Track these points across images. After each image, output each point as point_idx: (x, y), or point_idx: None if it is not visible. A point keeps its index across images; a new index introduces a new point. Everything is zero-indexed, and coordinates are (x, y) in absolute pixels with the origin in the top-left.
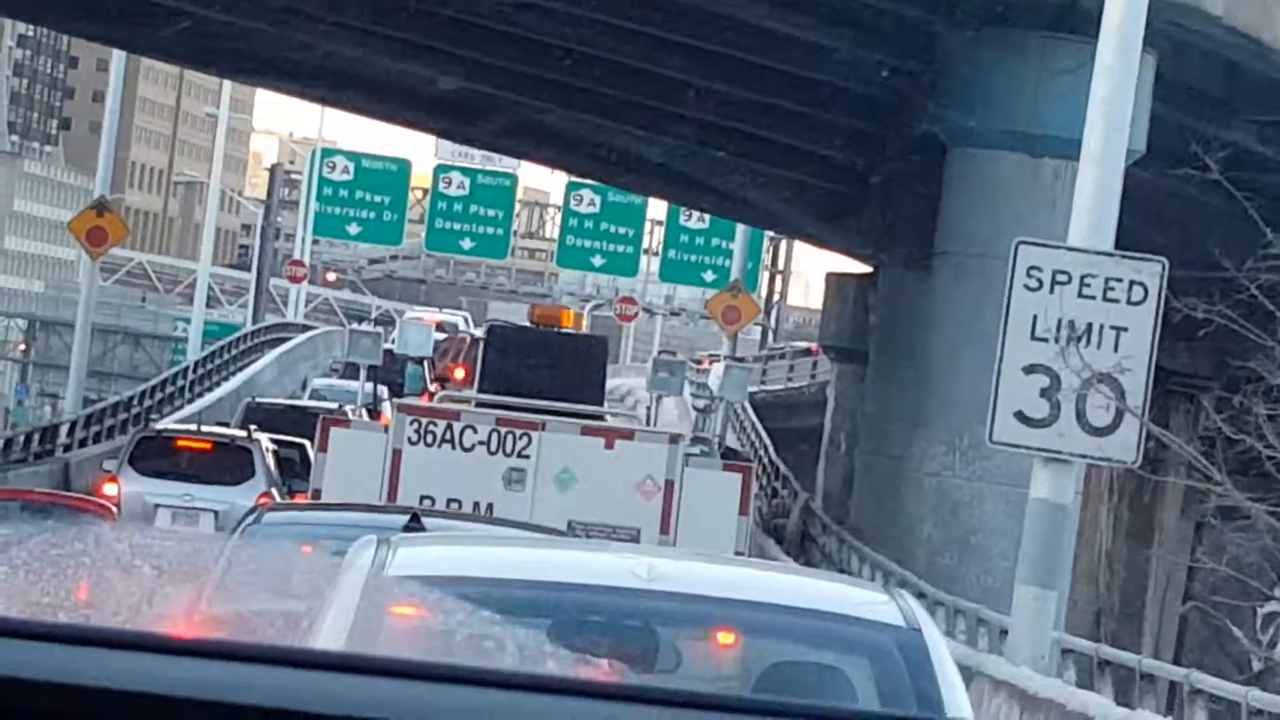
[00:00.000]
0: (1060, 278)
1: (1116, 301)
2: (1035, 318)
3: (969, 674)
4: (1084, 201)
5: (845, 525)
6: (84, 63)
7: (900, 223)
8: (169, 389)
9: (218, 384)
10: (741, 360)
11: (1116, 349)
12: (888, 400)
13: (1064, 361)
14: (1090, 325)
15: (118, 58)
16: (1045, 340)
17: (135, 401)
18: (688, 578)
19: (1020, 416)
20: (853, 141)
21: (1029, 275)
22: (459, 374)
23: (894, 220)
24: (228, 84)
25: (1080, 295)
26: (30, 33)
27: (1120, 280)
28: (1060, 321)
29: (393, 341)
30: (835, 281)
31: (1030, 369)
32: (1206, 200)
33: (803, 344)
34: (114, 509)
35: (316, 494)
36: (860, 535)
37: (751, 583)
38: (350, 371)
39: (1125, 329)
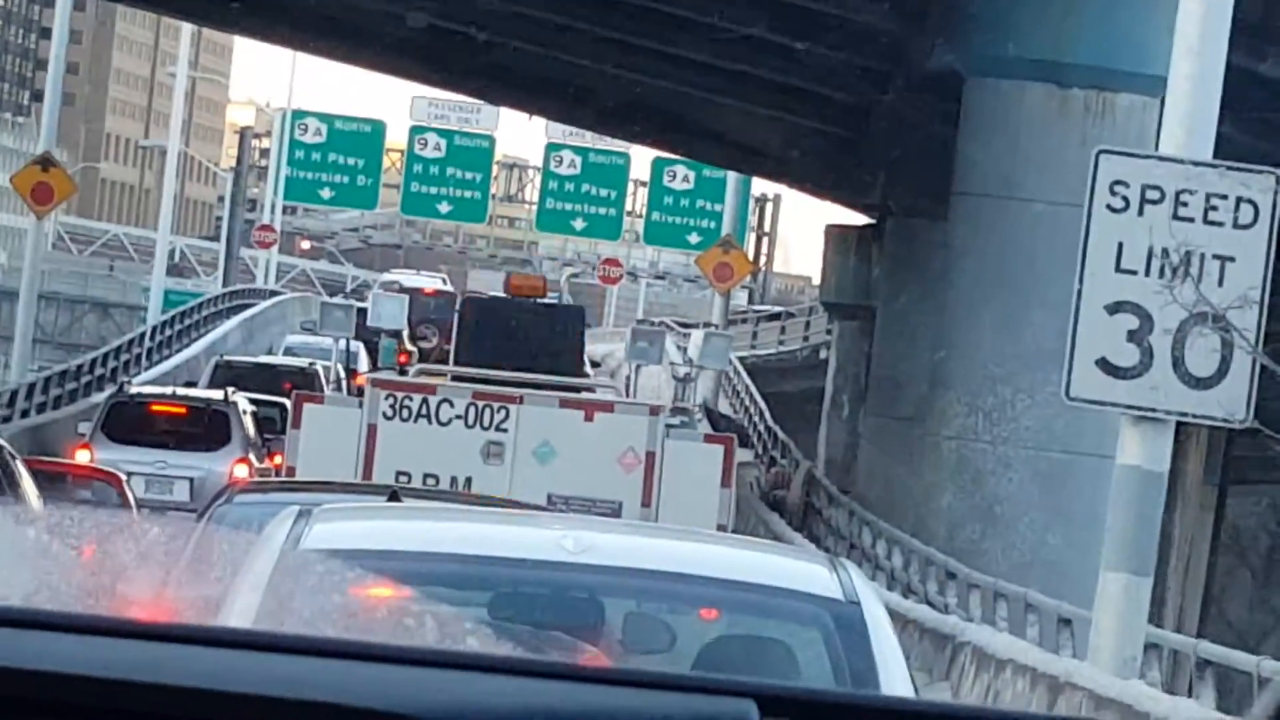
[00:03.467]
0: (1151, 195)
1: (1220, 225)
2: (1121, 245)
3: (1036, 674)
4: (1177, 103)
5: (851, 495)
6: (56, 33)
7: (909, 166)
8: (134, 350)
9: (184, 347)
10: (741, 321)
11: (1221, 283)
12: (898, 359)
13: (1162, 297)
14: (1189, 254)
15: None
16: (1134, 272)
17: (100, 363)
18: (618, 551)
19: (1105, 365)
20: (854, 79)
21: (1112, 193)
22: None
23: (902, 164)
24: (185, 44)
25: (1176, 217)
26: (1, 3)
27: (1225, 198)
28: (1152, 249)
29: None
30: (835, 234)
31: (1115, 307)
32: None
33: (778, 309)
34: (122, 476)
35: (291, 471)
36: (869, 506)
37: (685, 555)
38: None
39: (1232, 258)
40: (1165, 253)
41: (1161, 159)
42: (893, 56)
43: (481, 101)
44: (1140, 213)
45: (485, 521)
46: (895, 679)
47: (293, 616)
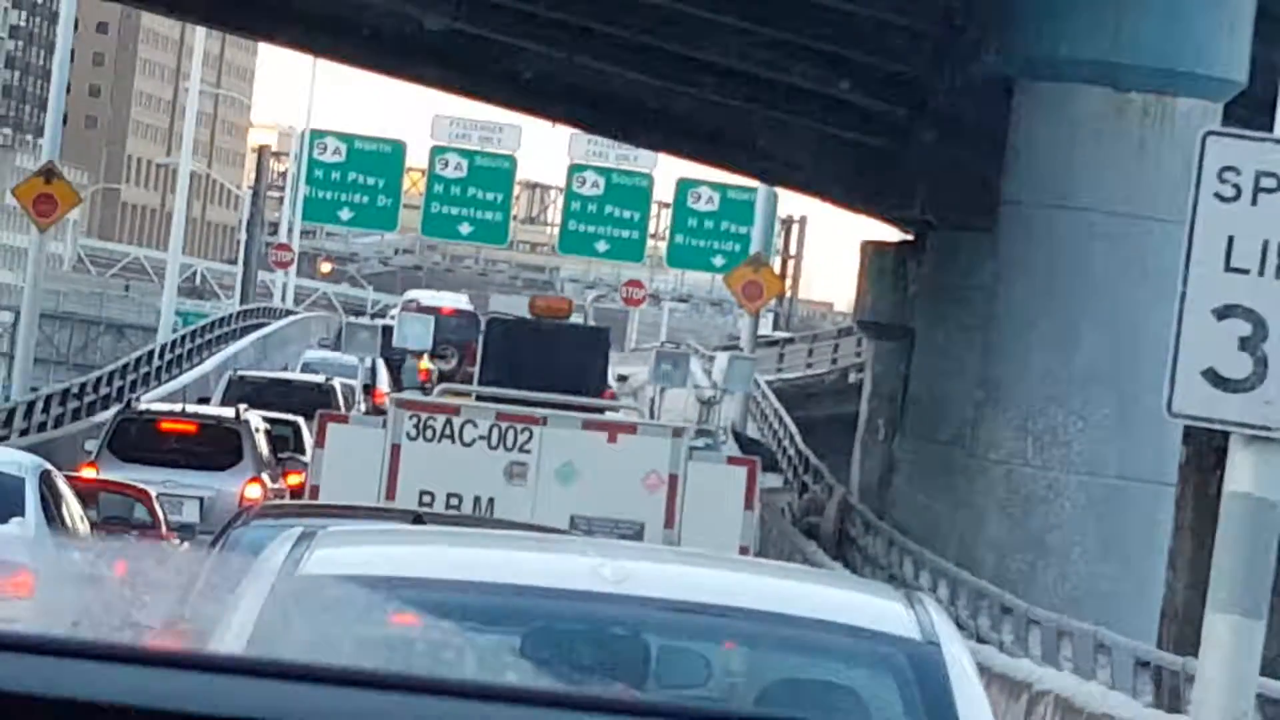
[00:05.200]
0: (1267, 183)
1: None
2: (1231, 240)
3: None
4: None
5: (887, 522)
6: (79, 55)
7: (952, 177)
8: (142, 369)
9: (196, 364)
10: (771, 343)
11: None
12: (939, 379)
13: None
14: None
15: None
16: (1246, 271)
17: (107, 381)
18: (664, 581)
19: (1212, 378)
20: (893, 87)
21: (1221, 180)
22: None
23: (944, 175)
24: (198, 60)
25: None
26: (22, 23)
27: None
28: (1267, 244)
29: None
30: (871, 251)
31: (1225, 311)
32: None
33: (789, 335)
34: (150, 491)
35: (314, 491)
36: (907, 533)
37: (743, 587)
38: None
39: None
40: None
41: (1279, 141)
42: (935, 62)
43: (503, 114)
44: (1254, 202)
45: (514, 547)
46: None
47: (285, 645)
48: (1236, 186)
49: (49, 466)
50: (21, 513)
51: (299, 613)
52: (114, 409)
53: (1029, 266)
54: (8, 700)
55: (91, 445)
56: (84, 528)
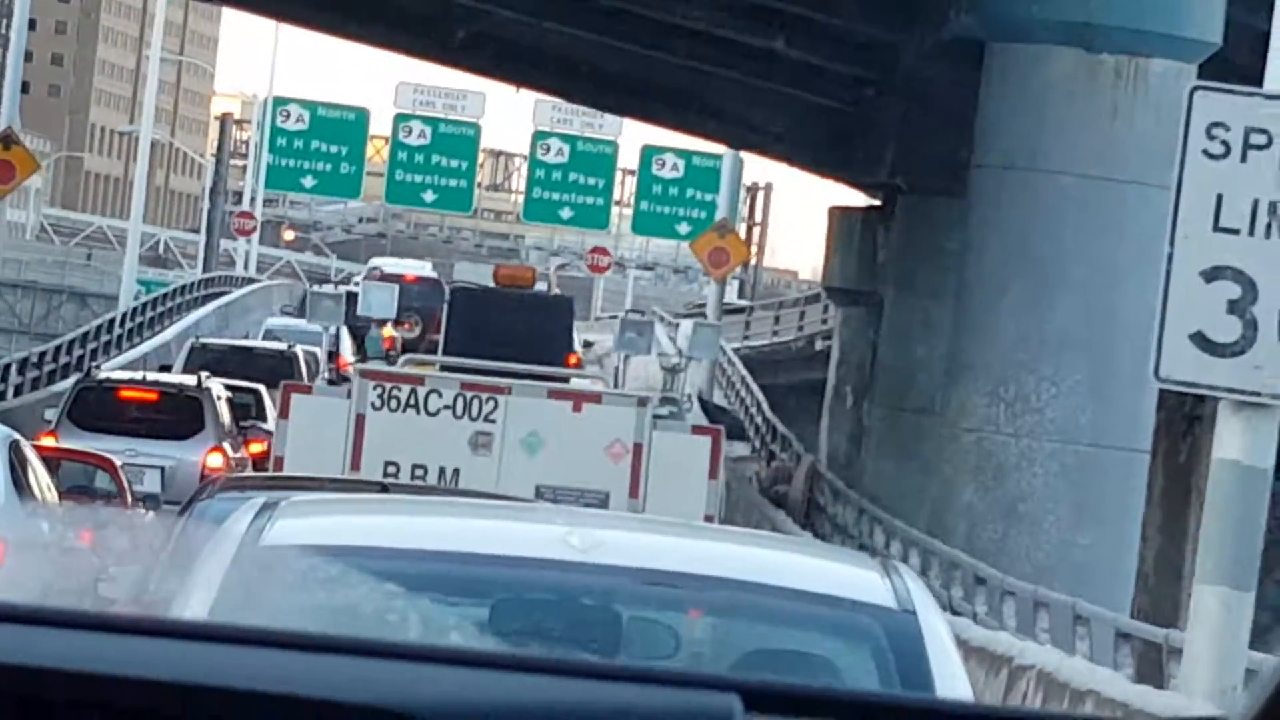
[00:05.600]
0: (1257, 139)
1: None
2: (1220, 199)
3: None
4: None
5: (855, 490)
6: (41, 24)
7: (922, 141)
8: (103, 337)
9: (156, 334)
10: (736, 311)
11: None
12: (909, 346)
13: (1269, 261)
14: None
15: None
16: (1235, 231)
17: (67, 350)
18: (635, 550)
19: (1200, 341)
20: (862, 50)
21: (1209, 136)
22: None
23: (914, 139)
24: (159, 28)
25: None
26: None
27: None
28: (1257, 203)
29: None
30: (839, 216)
31: (1213, 273)
32: None
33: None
34: (115, 461)
35: (279, 461)
36: (877, 502)
37: (716, 555)
38: (305, 311)
39: None
40: (1274, 208)
41: (1270, 96)
42: (904, 25)
43: (467, 81)
44: (1244, 159)
45: (480, 515)
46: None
47: (247, 616)
48: (1225, 143)
49: (18, 436)
50: None
51: (261, 583)
52: (74, 378)
53: (1000, 231)
54: None
55: (51, 414)
56: (52, 497)
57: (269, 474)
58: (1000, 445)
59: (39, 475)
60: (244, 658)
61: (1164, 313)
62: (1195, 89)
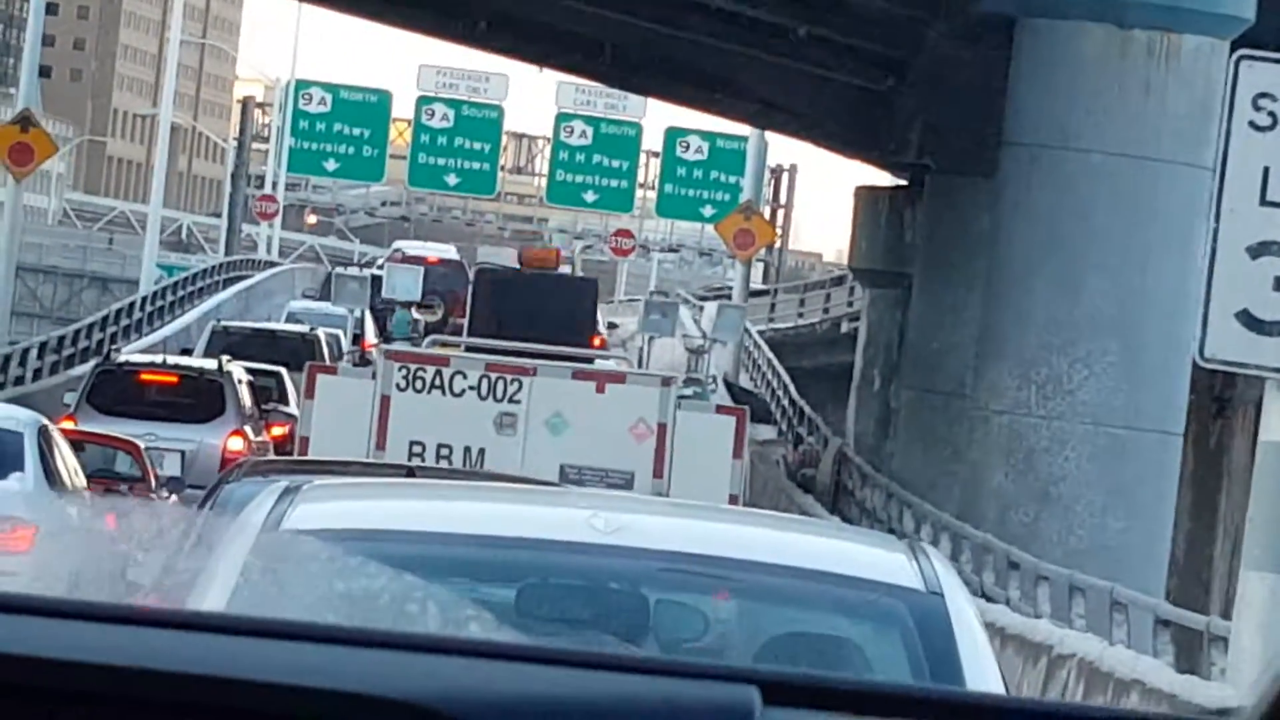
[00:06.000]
0: None
1: None
2: (1267, 172)
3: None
4: None
5: (883, 474)
6: (64, 9)
7: (951, 119)
8: (123, 321)
9: (178, 317)
10: (760, 293)
11: None
12: (938, 328)
13: None
14: None
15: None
16: None
17: (87, 334)
18: (658, 532)
19: (1247, 320)
20: (890, 27)
21: (1256, 107)
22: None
23: (943, 117)
24: (179, 10)
25: None
26: None
27: None
28: None
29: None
30: (866, 196)
31: (1260, 249)
32: None
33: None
34: (139, 444)
35: (304, 443)
36: (905, 486)
37: (742, 538)
38: (328, 293)
39: None
40: None
41: None
42: (932, 1)
43: (490, 63)
44: None
45: (504, 499)
46: (983, 682)
47: (267, 602)
48: (1273, 115)
49: (46, 421)
50: (21, 468)
51: (281, 568)
52: (93, 362)
53: (1031, 211)
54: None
55: (70, 398)
56: (80, 482)
57: (294, 458)
58: (1031, 428)
59: (67, 460)
60: (267, 650)
61: (1208, 290)
62: (1241, 57)
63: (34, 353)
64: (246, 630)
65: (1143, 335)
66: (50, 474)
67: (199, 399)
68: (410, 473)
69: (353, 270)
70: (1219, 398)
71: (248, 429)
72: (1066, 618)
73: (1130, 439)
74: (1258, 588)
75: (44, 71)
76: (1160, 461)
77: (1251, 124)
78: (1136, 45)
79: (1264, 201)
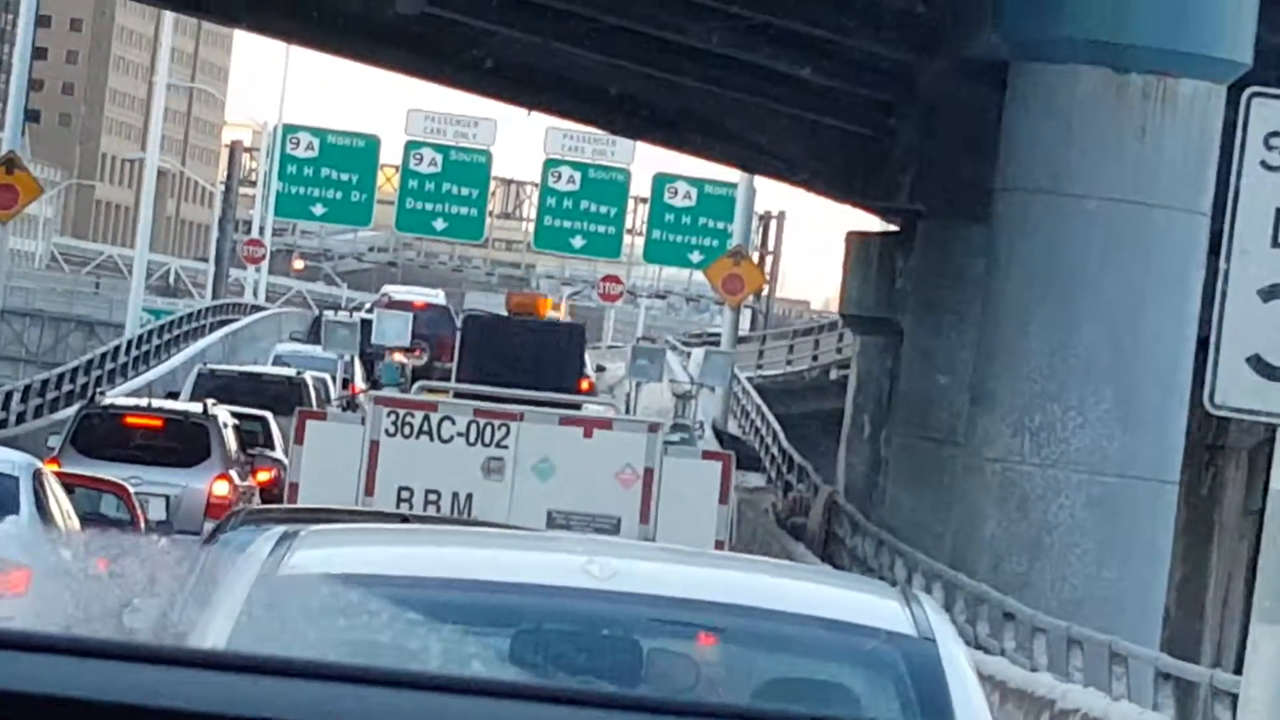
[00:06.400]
0: None
1: None
2: (1279, 213)
3: None
4: None
5: (874, 522)
6: (53, 53)
7: (943, 164)
8: (108, 364)
9: (163, 361)
10: (748, 340)
11: None
12: (930, 374)
13: None
14: None
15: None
16: None
17: (70, 377)
18: (653, 577)
19: (1259, 365)
20: (880, 70)
21: (1268, 146)
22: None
23: (935, 162)
24: (166, 52)
25: None
26: None
27: None
28: None
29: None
30: (856, 242)
31: (1272, 291)
32: None
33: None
34: (128, 487)
35: (294, 488)
36: (897, 534)
37: (732, 583)
38: (315, 337)
39: None
40: None
41: None
42: (924, 45)
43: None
44: None
45: (500, 545)
46: None
47: (266, 644)
48: None
49: (40, 464)
50: (17, 510)
51: (280, 611)
52: (78, 405)
53: (1024, 256)
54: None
55: (55, 442)
56: (74, 525)
57: (290, 506)
58: (1025, 476)
59: (61, 503)
60: (264, 688)
61: (1219, 335)
62: (1253, 95)
63: (17, 396)
64: (245, 667)
65: (1138, 382)
66: (45, 517)
67: (184, 443)
68: (404, 520)
69: (343, 315)
70: (1211, 445)
71: (233, 473)
72: (1065, 670)
73: (1125, 487)
74: (1268, 641)
75: (32, 116)
76: (1155, 510)
77: (1263, 163)
78: (1132, 89)
79: (1276, 243)
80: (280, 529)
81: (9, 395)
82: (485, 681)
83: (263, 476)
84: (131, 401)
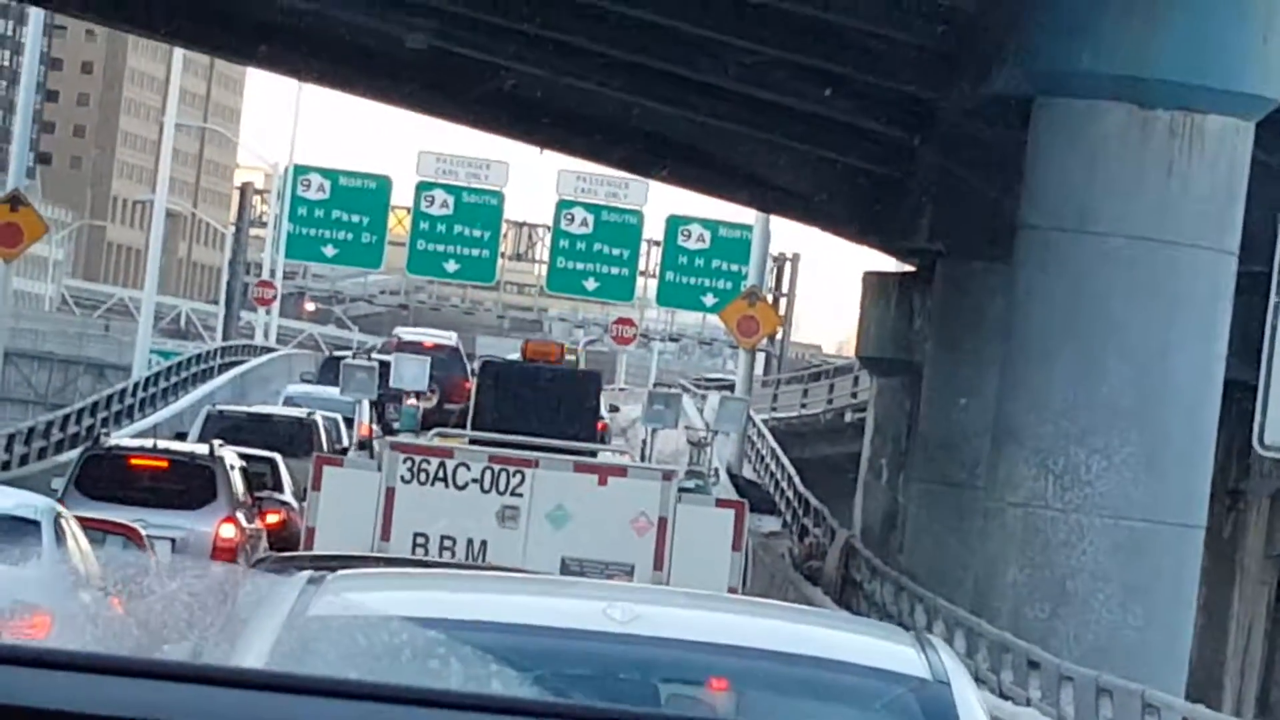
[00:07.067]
0: None
1: None
2: None
3: None
4: None
5: (891, 567)
6: (64, 96)
7: (963, 203)
8: (115, 406)
9: (171, 402)
10: (763, 383)
11: None
12: (950, 417)
13: None
14: None
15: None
16: None
17: (76, 419)
18: (672, 621)
19: None
20: (899, 109)
21: None
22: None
23: (954, 200)
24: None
25: None
26: (6, 63)
27: None
28: None
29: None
30: (874, 282)
31: None
32: None
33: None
34: (139, 530)
35: (310, 533)
36: (916, 580)
37: (750, 627)
38: (326, 378)
39: None
40: None
41: None
42: (944, 80)
43: (490, 149)
44: None
45: (521, 589)
46: None
47: None
48: None
49: (61, 508)
50: (38, 554)
51: (308, 653)
52: (82, 447)
53: (1048, 296)
54: (20, 715)
55: (58, 484)
56: (95, 569)
57: (315, 553)
58: (1048, 521)
59: (81, 546)
60: (289, 706)
61: (1268, 374)
62: None
63: (21, 438)
64: (263, 685)
65: (1164, 425)
66: (65, 560)
67: (190, 485)
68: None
69: (361, 360)
70: (1232, 490)
71: (240, 515)
72: None
73: (1150, 532)
74: None
75: (44, 158)
76: (1180, 556)
77: None
78: (1158, 125)
79: None
80: (308, 573)
81: (11, 437)
82: (480, 697)
83: (271, 519)
84: (136, 443)
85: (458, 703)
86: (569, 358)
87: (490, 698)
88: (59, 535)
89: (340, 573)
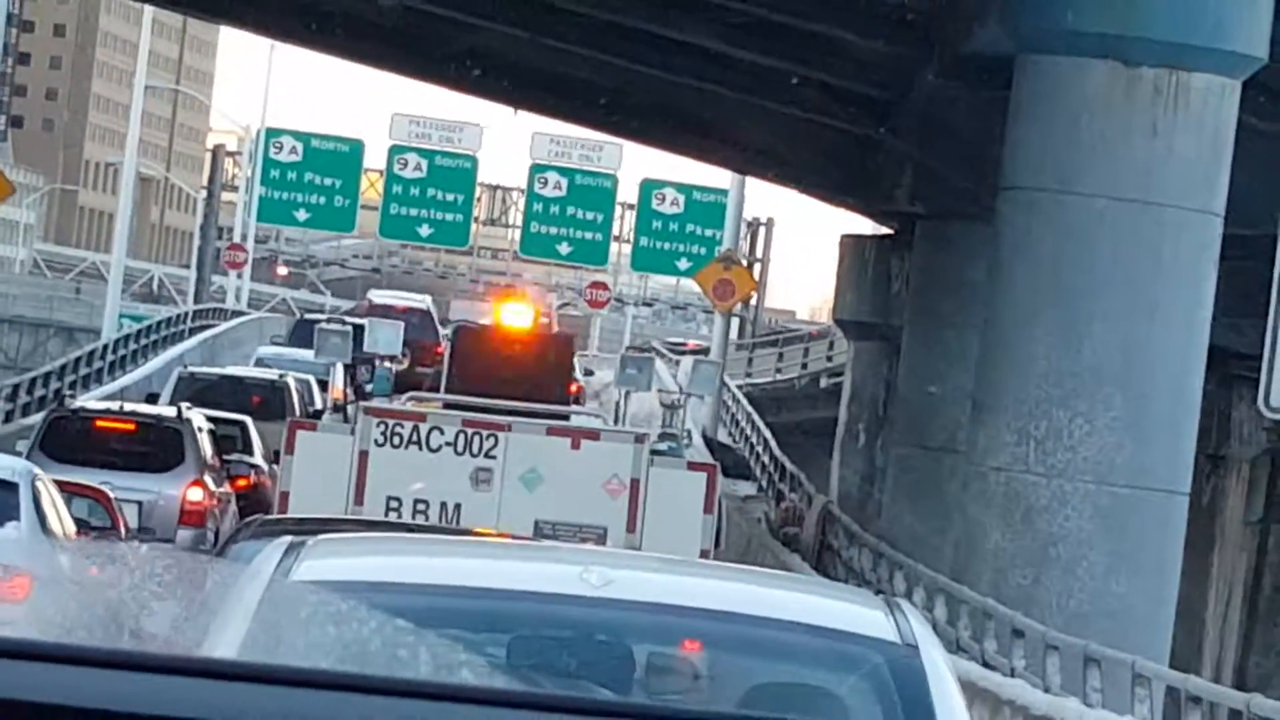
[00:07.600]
0: None
1: None
2: None
3: None
4: None
5: (870, 533)
6: (36, 59)
7: (943, 163)
8: (83, 369)
9: (140, 365)
10: (736, 349)
11: None
12: (929, 380)
13: None
14: None
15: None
16: None
17: (43, 382)
18: (646, 585)
19: None
20: (876, 67)
21: None
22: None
23: (934, 161)
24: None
25: None
26: None
27: None
28: None
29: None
30: (851, 245)
31: None
32: None
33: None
34: (108, 493)
35: (284, 497)
36: (895, 545)
37: (722, 591)
38: (297, 340)
39: None
40: None
41: None
42: (923, 39)
43: (463, 112)
44: None
45: (499, 554)
46: None
47: (278, 651)
48: None
49: (38, 470)
50: (17, 517)
51: (290, 619)
52: (47, 409)
53: (1030, 258)
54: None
55: (24, 446)
56: (71, 530)
57: (301, 517)
58: (1030, 486)
59: (59, 509)
60: (267, 697)
61: (1274, 338)
62: None
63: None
64: (248, 676)
65: (1148, 388)
66: (44, 522)
67: (157, 447)
68: (409, 530)
69: (335, 324)
70: (1212, 455)
71: (208, 479)
72: (1081, 691)
73: (1134, 498)
74: None
75: (16, 121)
76: (1165, 522)
77: None
78: (1143, 84)
79: None
80: (289, 539)
81: None
82: (473, 689)
83: (240, 483)
84: (102, 405)
85: (455, 694)
86: (542, 320)
87: (492, 691)
88: (37, 498)
89: (322, 537)
